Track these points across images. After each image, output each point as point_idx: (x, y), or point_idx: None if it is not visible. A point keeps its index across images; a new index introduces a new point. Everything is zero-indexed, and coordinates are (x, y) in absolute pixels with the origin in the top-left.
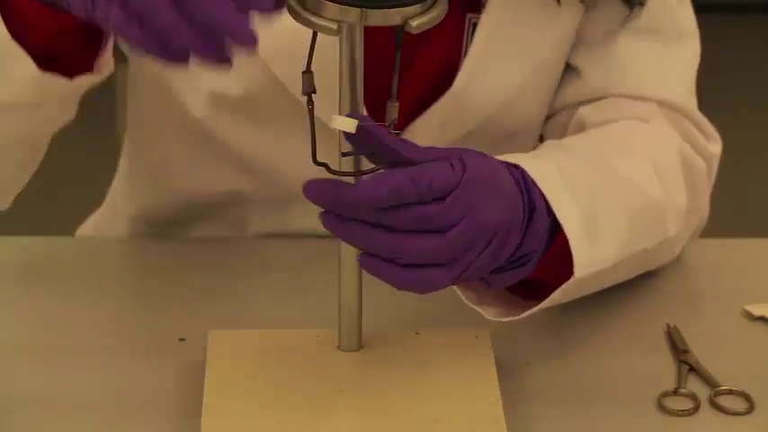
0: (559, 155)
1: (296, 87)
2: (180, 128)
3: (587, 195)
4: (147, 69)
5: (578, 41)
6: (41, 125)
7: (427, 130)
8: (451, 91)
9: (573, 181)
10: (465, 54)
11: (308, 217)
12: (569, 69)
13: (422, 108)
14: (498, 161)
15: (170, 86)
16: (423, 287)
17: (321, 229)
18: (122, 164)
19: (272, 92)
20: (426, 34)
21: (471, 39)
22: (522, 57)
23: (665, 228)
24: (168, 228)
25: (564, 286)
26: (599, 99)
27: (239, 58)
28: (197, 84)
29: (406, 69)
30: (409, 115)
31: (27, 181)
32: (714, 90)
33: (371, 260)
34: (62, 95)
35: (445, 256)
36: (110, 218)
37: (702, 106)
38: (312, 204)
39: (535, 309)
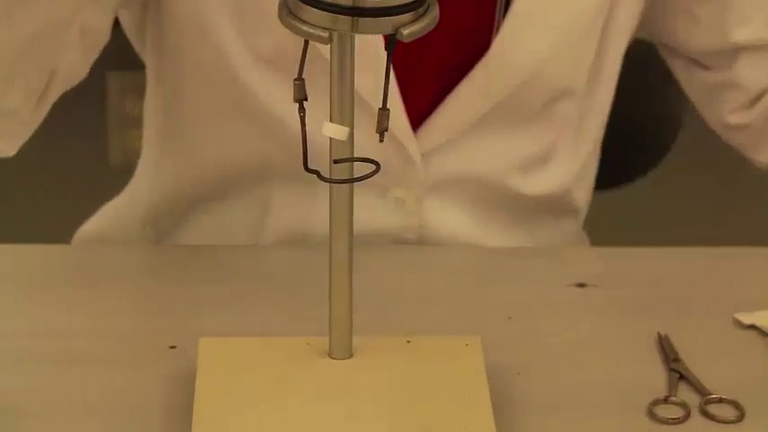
0: None
1: (324, 47)
2: (212, 82)
3: None
4: (186, 23)
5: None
6: (67, 8)
7: (471, 91)
8: (493, 50)
9: None
10: (500, 11)
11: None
12: (685, 17)
13: (459, 69)
14: None
15: (209, 39)
16: None
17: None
18: (145, 147)
19: (299, 49)
20: None
21: (504, 5)
22: (563, 10)
23: None
24: (189, 210)
25: None
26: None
27: (269, 13)
28: (232, 36)
29: (436, 31)
30: (450, 78)
31: (37, 103)
32: None
33: None
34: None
35: None
36: (126, 206)
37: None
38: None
39: None
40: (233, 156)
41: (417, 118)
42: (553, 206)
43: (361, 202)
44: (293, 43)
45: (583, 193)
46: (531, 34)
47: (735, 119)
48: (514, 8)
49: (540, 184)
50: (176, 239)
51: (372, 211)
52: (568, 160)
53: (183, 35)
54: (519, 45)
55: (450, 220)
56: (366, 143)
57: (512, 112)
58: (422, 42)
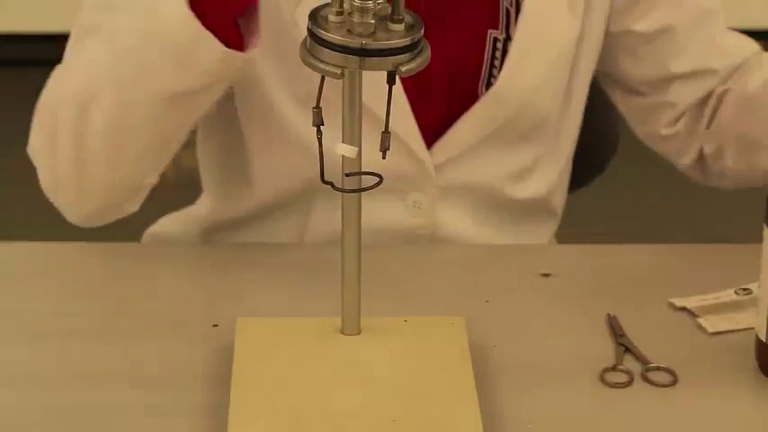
0: None
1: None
2: (263, 126)
3: None
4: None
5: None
6: (197, 110)
7: (479, 117)
8: (496, 88)
9: None
10: (489, 51)
11: (372, 212)
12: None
13: (461, 96)
14: None
15: (259, 90)
16: None
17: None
18: (204, 178)
19: (330, 91)
20: (451, 43)
21: (492, 48)
22: (545, 54)
23: None
24: (240, 225)
25: None
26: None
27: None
28: (278, 86)
29: (437, 68)
30: (453, 104)
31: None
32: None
33: None
34: (233, 72)
35: None
36: (187, 220)
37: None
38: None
39: None
40: (282, 182)
41: (431, 136)
42: (537, 209)
43: (384, 205)
44: (327, 87)
45: (559, 199)
46: (527, 70)
47: (666, 131)
48: (514, 48)
49: (527, 189)
50: None
51: (394, 212)
52: (549, 170)
53: (240, 90)
54: (518, 79)
55: (456, 220)
56: (385, 157)
57: (508, 132)
58: (426, 74)
